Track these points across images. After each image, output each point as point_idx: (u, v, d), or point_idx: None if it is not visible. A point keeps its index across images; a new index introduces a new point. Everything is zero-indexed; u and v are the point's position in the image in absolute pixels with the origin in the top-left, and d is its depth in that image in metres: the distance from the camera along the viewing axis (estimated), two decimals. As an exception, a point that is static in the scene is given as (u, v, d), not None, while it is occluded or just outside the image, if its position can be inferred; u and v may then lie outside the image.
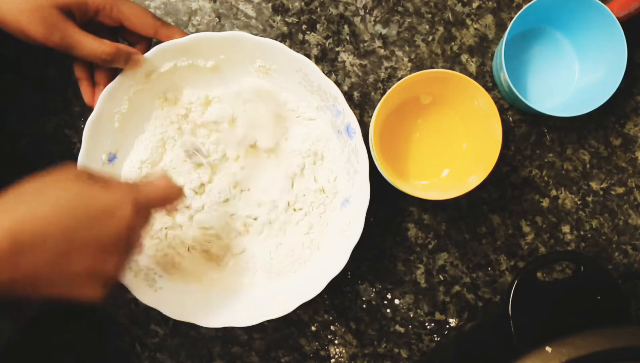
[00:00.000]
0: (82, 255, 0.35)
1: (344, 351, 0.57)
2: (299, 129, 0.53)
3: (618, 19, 0.50)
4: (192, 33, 0.49)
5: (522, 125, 0.56)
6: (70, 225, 0.35)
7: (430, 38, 0.56)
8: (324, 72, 0.48)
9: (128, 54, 0.46)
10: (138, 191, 0.39)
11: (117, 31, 0.49)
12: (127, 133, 0.51)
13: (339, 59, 0.56)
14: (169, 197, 0.42)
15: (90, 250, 0.35)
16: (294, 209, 0.53)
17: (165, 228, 0.52)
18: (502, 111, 0.56)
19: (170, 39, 0.48)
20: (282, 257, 0.53)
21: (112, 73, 0.48)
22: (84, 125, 0.48)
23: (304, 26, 0.56)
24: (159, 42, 0.49)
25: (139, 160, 0.51)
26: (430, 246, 0.57)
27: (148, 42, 0.49)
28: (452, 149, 0.55)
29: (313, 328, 0.56)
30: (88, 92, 0.49)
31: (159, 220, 0.52)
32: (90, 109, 0.48)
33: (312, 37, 0.56)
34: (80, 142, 0.48)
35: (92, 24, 0.47)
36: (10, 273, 0.33)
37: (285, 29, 0.56)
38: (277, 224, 0.53)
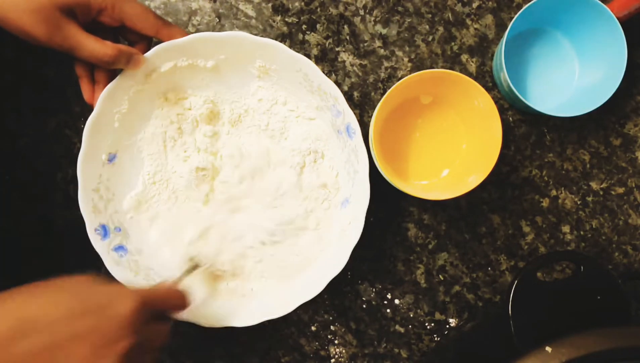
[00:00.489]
0: (79, 345, 0.33)
1: (344, 351, 0.57)
2: (299, 129, 0.53)
3: (618, 19, 0.50)
4: (192, 33, 0.49)
5: (522, 125, 0.56)
6: (65, 315, 0.33)
7: (430, 38, 0.56)
8: (324, 72, 0.48)
9: (129, 55, 0.46)
10: (141, 289, 0.38)
11: (118, 31, 0.49)
12: (127, 133, 0.51)
13: (339, 59, 0.56)
14: (173, 298, 0.41)
15: (88, 340, 0.33)
16: (305, 212, 0.53)
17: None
18: (502, 111, 0.56)
19: (171, 39, 0.48)
20: (290, 259, 0.53)
21: (112, 72, 0.48)
22: (84, 125, 0.48)
23: (304, 26, 0.56)
24: (159, 41, 0.49)
25: (147, 172, 0.52)
26: (430, 246, 0.57)
27: (148, 42, 0.49)
28: (452, 149, 0.55)
29: (313, 328, 0.56)
30: (88, 91, 0.49)
31: None
32: (90, 109, 0.48)
33: (312, 37, 0.56)
34: (80, 142, 0.48)
35: (94, 23, 0.47)
36: (4, 359, 0.32)
37: (285, 29, 0.56)
38: (286, 230, 0.53)
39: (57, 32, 0.43)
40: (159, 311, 0.40)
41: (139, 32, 0.48)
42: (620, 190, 0.57)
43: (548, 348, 0.39)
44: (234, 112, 0.53)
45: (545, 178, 0.57)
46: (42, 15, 0.42)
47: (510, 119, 0.56)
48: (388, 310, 0.57)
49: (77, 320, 0.33)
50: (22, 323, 0.32)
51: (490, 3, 0.56)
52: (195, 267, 0.51)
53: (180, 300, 0.42)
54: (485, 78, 0.56)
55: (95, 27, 0.47)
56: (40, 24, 0.42)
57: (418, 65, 0.56)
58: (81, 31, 0.44)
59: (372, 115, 0.53)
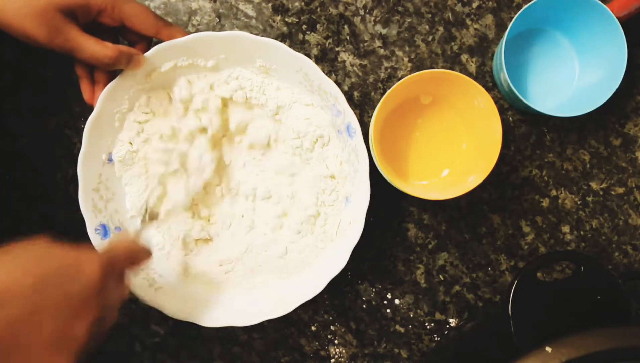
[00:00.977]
0: (48, 316, 0.32)
1: (344, 351, 0.57)
2: (300, 110, 0.52)
3: (618, 19, 0.50)
4: (192, 33, 0.49)
5: (522, 125, 0.56)
6: (35, 282, 0.32)
7: (430, 38, 0.56)
8: (324, 72, 0.48)
9: (129, 56, 0.46)
10: (104, 250, 0.38)
11: (118, 31, 0.49)
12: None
13: (339, 59, 0.56)
14: (136, 253, 0.42)
15: (57, 310, 0.32)
16: (318, 207, 0.53)
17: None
18: (502, 111, 0.56)
19: (171, 39, 0.48)
20: (294, 255, 0.53)
21: (112, 72, 0.48)
22: (84, 125, 0.48)
23: (304, 26, 0.56)
24: (159, 41, 0.49)
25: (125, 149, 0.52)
26: (430, 246, 0.57)
27: (148, 42, 0.49)
28: (452, 149, 0.55)
29: (313, 328, 0.56)
30: (88, 91, 0.49)
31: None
32: (90, 109, 0.48)
33: (312, 37, 0.56)
34: (80, 142, 0.48)
35: (94, 23, 0.47)
36: None
37: (285, 29, 0.56)
38: (292, 222, 0.53)
39: (58, 34, 0.43)
40: (122, 270, 0.40)
41: (139, 33, 0.48)
42: (620, 190, 0.57)
43: (548, 348, 0.39)
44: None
45: (545, 178, 0.57)
46: (42, 19, 0.42)
47: (510, 119, 0.56)
48: (388, 310, 0.57)
49: (45, 290, 0.32)
50: None
51: (490, 3, 0.56)
52: (152, 217, 0.51)
53: (141, 254, 0.42)
54: (485, 78, 0.56)
55: (96, 27, 0.47)
56: (41, 27, 0.43)
57: (418, 65, 0.56)
58: (81, 33, 0.44)
59: (372, 115, 0.53)
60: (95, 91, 0.49)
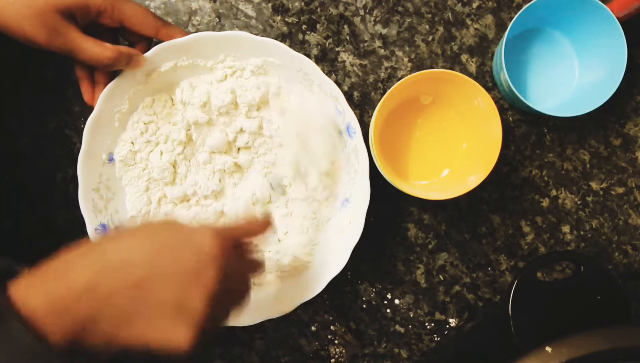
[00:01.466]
0: (164, 283, 0.33)
1: (344, 351, 0.56)
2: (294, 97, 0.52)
3: (618, 19, 0.50)
4: (192, 33, 0.49)
5: (522, 125, 0.56)
6: (151, 251, 0.33)
7: (430, 38, 0.56)
8: (324, 72, 0.48)
9: (129, 56, 0.46)
10: (219, 227, 0.37)
11: (117, 31, 0.49)
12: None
13: (339, 59, 0.56)
14: (253, 229, 0.40)
15: (172, 277, 0.33)
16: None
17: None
18: (502, 111, 0.56)
19: (171, 39, 0.48)
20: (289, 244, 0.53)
21: (112, 73, 0.48)
22: (84, 125, 0.48)
23: (304, 26, 0.56)
24: (159, 41, 0.49)
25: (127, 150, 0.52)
26: (430, 246, 0.57)
27: (148, 42, 0.49)
28: (452, 149, 0.55)
29: (313, 328, 0.56)
30: (88, 92, 0.49)
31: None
32: (90, 109, 0.48)
33: (312, 37, 0.56)
34: (80, 142, 0.48)
35: (94, 24, 0.47)
36: (91, 303, 0.32)
37: (285, 29, 0.56)
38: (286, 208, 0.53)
39: (57, 36, 0.43)
40: (243, 243, 0.40)
41: (138, 33, 0.48)
42: (620, 190, 0.57)
43: (548, 348, 0.39)
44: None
45: (545, 178, 0.57)
46: (42, 20, 0.43)
47: (510, 119, 0.56)
48: (388, 310, 0.57)
49: (160, 258, 0.33)
50: (105, 268, 0.32)
51: (490, 3, 0.56)
52: None
53: (261, 226, 0.41)
54: (485, 78, 0.56)
55: (95, 28, 0.47)
56: (41, 28, 0.43)
57: (418, 65, 0.56)
58: (81, 34, 0.44)
59: (372, 115, 0.53)
60: (95, 91, 0.49)
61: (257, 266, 0.41)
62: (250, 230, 0.40)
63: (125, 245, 0.34)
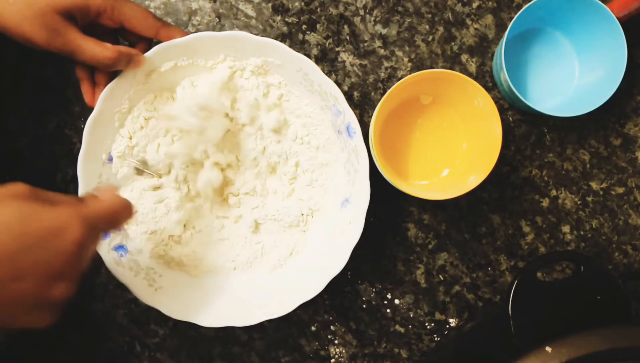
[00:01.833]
0: (27, 280, 0.33)
1: (344, 351, 0.56)
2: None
3: (618, 19, 0.50)
4: (192, 33, 0.49)
5: (522, 125, 0.56)
6: (13, 249, 0.32)
7: (430, 38, 0.56)
8: (324, 72, 0.48)
9: (129, 56, 0.46)
10: (86, 208, 0.37)
11: (117, 32, 0.49)
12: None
13: (339, 59, 0.56)
14: (118, 213, 0.40)
15: (36, 274, 0.33)
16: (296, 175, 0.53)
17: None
18: (502, 111, 0.56)
19: (171, 40, 0.48)
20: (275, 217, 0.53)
21: (112, 74, 0.48)
22: (84, 125, 0.48)
23: (304, 26, 0.56)
24: (159, 41, 0.49)
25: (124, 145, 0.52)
26: (430, 246, 0.57)
27: (148, 42, 0.49)
28: (452, 149, 0.55)
29: (313, 328, 0.56)
30: (88, 93, 0.49)
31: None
32: (90, 109, 0.48)
33: (312, 37, 0.56)
34: (80, 142, 0.48)
35: (93, 25, 0.47)
36: None
37: (285, 29, 0.56)
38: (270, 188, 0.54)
39: (57, 36, 0.43)
40: (103, 231, 0.39)
41: (138, 34, 0.48)
42: (620, 190, 0.57)
43: (548, 348, 0.39)
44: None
45: (545, 178, 0.57)
46: (41, 21, 0.42)
47: (510, 119, 0.56)
48: (388, 310, 0.57)
49: (27, 253, 0.32)
50: None
51: (490, 3, 0.56)
52: (142, 170, 0.50)
53: (123, 211, 0.40)
54: (485, 78, 0.56)
55: (95, 29, 0.47)
56: (40, 29, 0.43)
57: (418, 65, 0.56)
58: (80, 35, 0.44)
59: (372, 115, 0.53)
60: (95, 92, 0.49)
61: (98, 240, 0.40)
62: (114, 214, 0.39)
63: None
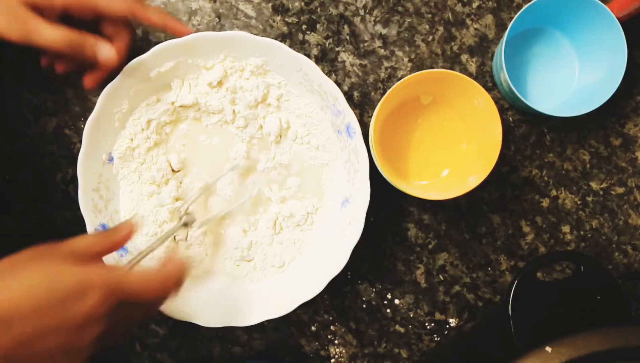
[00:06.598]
0: (53, 334, 0.33)
1: (344, 351, 0.57)
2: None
3: (618, 19, 0.50)
4: (173, 17, 0.48)
5: (522, 125, 0.56)
6: (37, 306, 0.33)
7: (430, 38, 0.56)
8: (323, 72, 0.48)
9: (92, 43, 0.45)
10: (118, 276, 0.36)
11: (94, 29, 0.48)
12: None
13: (339, 59, 0.56)
14: (153, 290, 0.38)
15: (62, 328, 0.34)
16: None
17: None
18: (502, 111, 0.56)
19: (148, 19, 0.47)
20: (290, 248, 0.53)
21: (110, 76, 0.48)
22: (84, 125, 0.48)
23: (304, 26, 0.56)
24: (158, 41, 0.49)
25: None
26: (430, 246, 0.57)
27: (127, 39, 0.49)
28: (452, 149, 0.55)
29: (313, 328, 0.56)
30: (90, 79, 0.48)
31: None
32: (90, 109, 0.48)
33: (312, 37, 0.56)
34: (80, 142, 0.48)
35: (67, 19, 0.46)
36: None
37: (285, 29, 0.56)
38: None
39: (16, 23, 0.43)
40: (137, 301, 0.38)
41: (114, 17, 0.46)
42: (620, 190, 0.57)
43: (548, 348, 0.39)
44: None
45: (545, 178, 0.57)
46: (11, 14, 0.43)
47: (510, 119, 0.56)
48: (388, 310, 0.57)
49: (45, 311, 0.33)
50: None
51: (490, 3, 0.56)
52: (186, 224, 0.50)
53: (160, 291, 0.38)
54: (485, 78, 0.56)
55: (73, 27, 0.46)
56: (12, 23, 0.43)
57: (418, 65, 0.56)
58: (40, 19, 0.44)
59: (372, 115, 0.53)
60: (94, 73, 0.48)
61: (146, 313, 0.40)
62: (147, 295, 0.38)
63: (8, 294, 0.33)
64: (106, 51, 0.46)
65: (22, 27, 0.43)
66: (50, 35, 0.43)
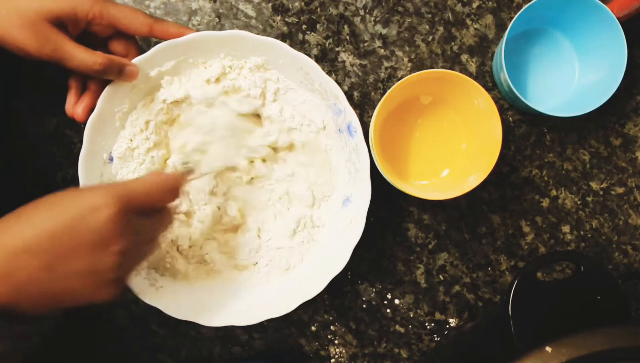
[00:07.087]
0: (74, 256, 0.35)
1: (344, 351, 0.57)
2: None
3: (618, 19, 0.50)
4: (187, 27, 0.48)
5: (522, 125, 0.56)
6: (53, 230, 0.35)
7: (430, 38, 0.56)
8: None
9: (120, 65, 0.46)
10: (122, 187, 0.38)
11: (107, 44, 0.49)
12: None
13: (339, 59, 0.56)
14: (157, 191, 0.40)
15: (81, 249, 0.36)
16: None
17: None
18: (502, 111, 0.56)
19: (167, 35, 0.48)
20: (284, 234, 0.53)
21: (105, 82, 0.48)
22: (84, 125, 0.48)
23: (304, 26, 0.56)
24: (159, 41, 0.49)
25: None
26: (430, 246, 0.57)
27: (136, 55, 0.49)
28: (452, 149, 0.55)
29: (313, 328, 0.56)
30: (70, 102, 0.49)
31: None
32: (90, 110, 0.48)
33: (312, 37, 0.56)
34: (80, 142, 0.48)
35: (87, 36, 0.47)
36: (11, 284, 0.35)
37: (285, 29, 0.56)
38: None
39: (47, 44, 0.44)
40: (147, 206, 0.40)
41: (132, 34, 0.47)
42: (620, 190, 0.57)
43: (548, 348, 0.39)
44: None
45: (545, 178, 0.57)
46: (32, 29, 0.43)
47: (510, 119, 0.56)
48: (388, 310, 0.57)
49: (64, 235, 0.35)
50: (16, 252, 0.35)
51: (490, 3, 0.56)
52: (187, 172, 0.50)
53: (163, 189, 0.41)
54: (485, 78, 0.56)
55: (90, 40, 0.47)
56: (31, 37, 0.43)
57: (418, 65, 0.56)
58: (70, 41, 0.45)
59: (372, 115, 0.53)
60: (82, 99, 0.48)
61: (163, 222, 0.42)
62: (153, 191, 0.40)
63: (29, 226, 0.35)
64: (134, 69, 0.47)
65: (53, 47, 0.44)
66: (84, 60, 0.45)
